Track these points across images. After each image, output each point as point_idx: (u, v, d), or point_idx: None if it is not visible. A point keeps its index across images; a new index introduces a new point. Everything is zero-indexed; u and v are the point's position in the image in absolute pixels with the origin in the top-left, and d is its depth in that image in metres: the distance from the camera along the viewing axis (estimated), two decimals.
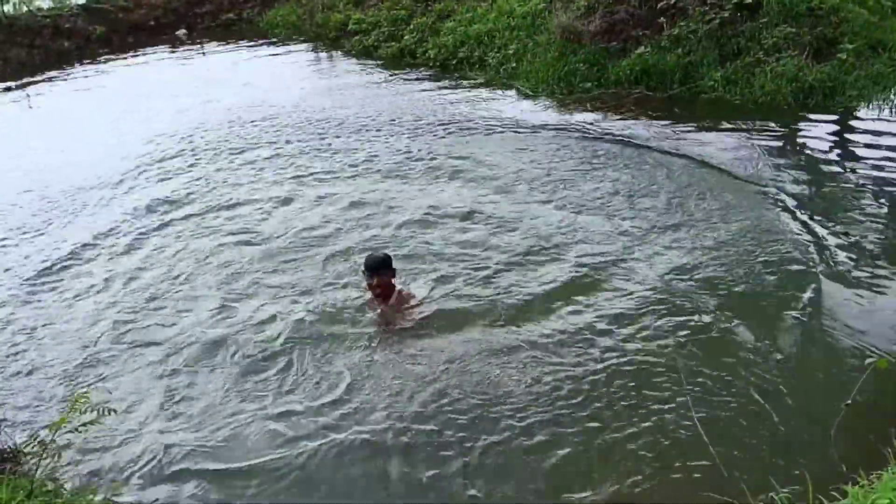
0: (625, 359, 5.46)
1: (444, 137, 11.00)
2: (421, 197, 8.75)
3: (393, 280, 6.10)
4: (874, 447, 4.25)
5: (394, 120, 12.07)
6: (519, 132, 11.06)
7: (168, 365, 5.85)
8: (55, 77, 18.20)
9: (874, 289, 6.21)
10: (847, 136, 10.16)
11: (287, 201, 8.95)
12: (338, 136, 11.44)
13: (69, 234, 8.55)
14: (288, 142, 11.35)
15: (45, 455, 4.34)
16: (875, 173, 8.62)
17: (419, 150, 10.43)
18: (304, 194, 9.12)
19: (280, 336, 6.04)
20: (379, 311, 6.16)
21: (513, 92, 13.39)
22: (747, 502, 3.68)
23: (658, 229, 7.49)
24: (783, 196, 8.12)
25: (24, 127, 14.33)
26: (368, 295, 6.24)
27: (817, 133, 10.22)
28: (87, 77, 17.90)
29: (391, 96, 13.76)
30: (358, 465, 4.63)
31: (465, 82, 14.38)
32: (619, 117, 11.43)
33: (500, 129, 11.21)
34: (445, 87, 14.14)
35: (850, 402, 4.72)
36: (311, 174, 9.82)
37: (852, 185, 8.32)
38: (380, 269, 5.96)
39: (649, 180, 8.79)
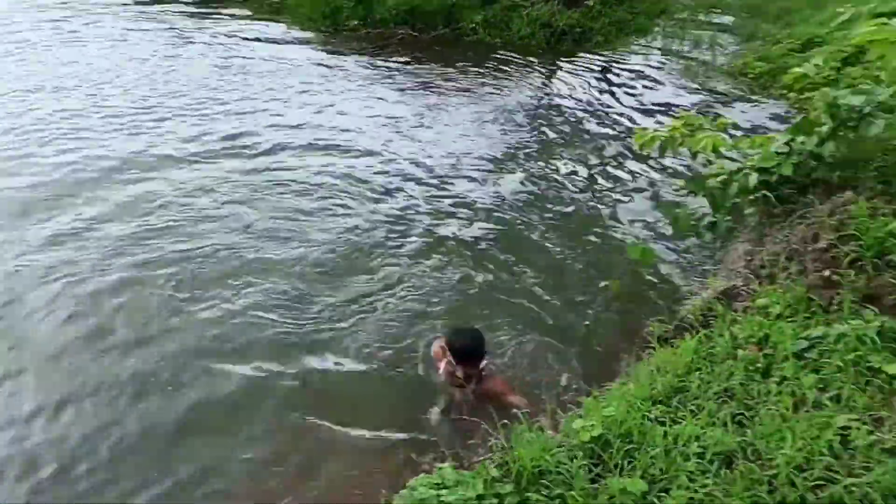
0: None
1: None
2: None
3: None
4: (608, 363, 4.73)
5: None
6: None
7: None
8: None
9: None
10: (588, 76, 10.95)
11: None
12: None
13: None
14: None
15: None
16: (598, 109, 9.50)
17: None
18: None
19: None
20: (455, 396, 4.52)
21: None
22: None
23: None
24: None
25: None
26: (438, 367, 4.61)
27: (563, 75, 10.93)
28: None
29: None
30: None
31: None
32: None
33: None
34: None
35: (588, 322, 5.19)
36: None
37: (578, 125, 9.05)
38: (477, 357, 4.34)
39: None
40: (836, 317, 3.70)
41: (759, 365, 3.54)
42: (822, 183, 4.61)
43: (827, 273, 3.97)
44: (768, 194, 4.68)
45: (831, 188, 4.57)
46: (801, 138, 4.59)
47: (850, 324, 3.51)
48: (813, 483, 2.79)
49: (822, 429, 3.02)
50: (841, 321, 3.61)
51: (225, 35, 12.35)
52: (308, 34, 12.56)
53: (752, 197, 4.88)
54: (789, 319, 3.79)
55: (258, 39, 12.23)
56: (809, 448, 2.93)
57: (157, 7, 13.95)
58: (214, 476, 4.06)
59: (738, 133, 7.09)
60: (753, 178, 4.70)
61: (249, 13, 13.68)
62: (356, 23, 12.71)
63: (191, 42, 11.86)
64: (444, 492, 2.88)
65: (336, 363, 4.90)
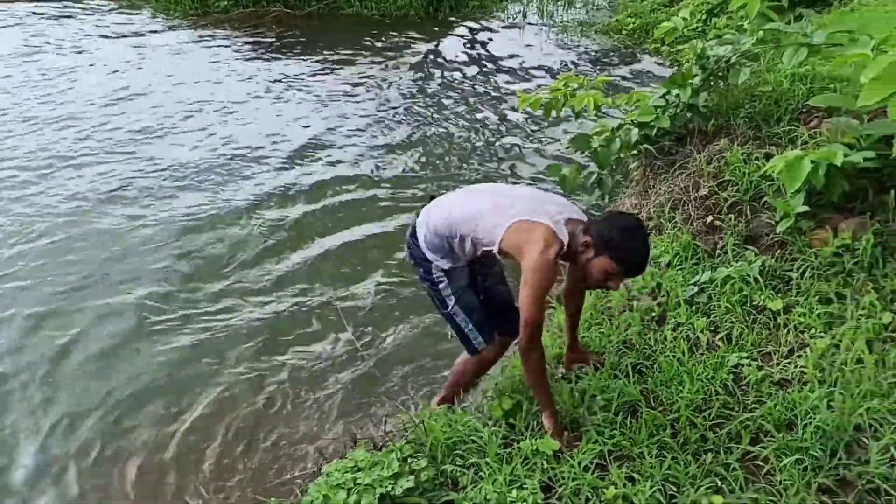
0: None
1: None
2: None
3: None
4: None
5: None
6: None
7: None
8: None
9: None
10: (467, 43, 10.99)
11: None
12: None
13: None
14: None
15: None
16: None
17: None
18: None
19: None
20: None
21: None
22: None
23: None
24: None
25: None
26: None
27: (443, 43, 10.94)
28: None
29: None
30: None
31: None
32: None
33: None
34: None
35: None
36: None
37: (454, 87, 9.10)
38: None
39: None
40: (721, 260, 3.86)
41: (654, 314, 3.67)
42: (699, 133, 4.78)
43: (709, 219, 4.14)
44: (650, 147, 4.82)
45: (707, 137, 4.75)
46: (675, 91, 4.73)
47: (734, 266, 3.67)
48: (712, 422, 2.93)
49: (716, 369, 3.16)
50: (725, 264, 3.78)
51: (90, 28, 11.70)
52: (174, 21, 12.04)
53: (634, 151, 5.03)
54: (679, 267, 3.94)
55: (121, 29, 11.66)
56: (706, 389, 3.07)
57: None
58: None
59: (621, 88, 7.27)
60: (634, 133, 4.83)
61: (113, 5, 13.01)
62: (226, 3, 12.29)
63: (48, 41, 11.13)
64: (359, 474, 2.85)
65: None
